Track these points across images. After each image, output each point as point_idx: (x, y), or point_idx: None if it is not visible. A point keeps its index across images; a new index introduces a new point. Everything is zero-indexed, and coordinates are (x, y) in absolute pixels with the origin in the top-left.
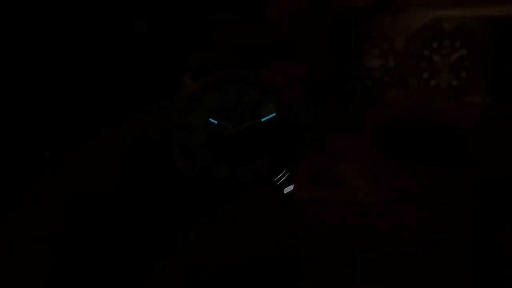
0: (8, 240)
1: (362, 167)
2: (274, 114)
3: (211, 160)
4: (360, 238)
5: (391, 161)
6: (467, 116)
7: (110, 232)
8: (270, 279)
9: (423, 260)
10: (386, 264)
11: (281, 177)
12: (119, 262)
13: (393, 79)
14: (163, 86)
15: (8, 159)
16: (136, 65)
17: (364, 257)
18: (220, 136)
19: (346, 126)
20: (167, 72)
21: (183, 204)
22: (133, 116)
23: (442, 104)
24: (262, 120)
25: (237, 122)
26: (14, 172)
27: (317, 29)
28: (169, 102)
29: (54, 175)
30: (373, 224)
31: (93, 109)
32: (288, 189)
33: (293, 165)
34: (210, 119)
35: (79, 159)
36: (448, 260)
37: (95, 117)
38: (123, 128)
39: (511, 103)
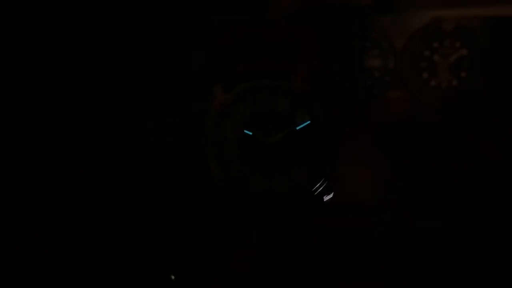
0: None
1: (362, 167)
2: (309, 121)
3: (248, 172)
4: (360, 238)
5: (391, 161)
6: (467, 116)
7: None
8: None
9: (422, 260)
10: (385, 264)
11: (319, 186)
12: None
13: (393, 79)
14: (175, 91)
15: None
16: (141, 69)
17: (364, 257)
18: (255, 147)
19: (346, 126)
20: (171, 75)
21: (220, 216)
22: (160, 123)
23: (442, 104)
24: (297, 128)
25: (272, 132)
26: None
27: (317, 29)
28: (198, 110)
29: (82, 182)
30: (373, 224)
31: (99, 114)
32: (327, 197)
33: (329, 172)
34: (245, 131)
35: (111, 166)
36: (448, 260)
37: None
38: (153, 135)
39: (511, 103)
